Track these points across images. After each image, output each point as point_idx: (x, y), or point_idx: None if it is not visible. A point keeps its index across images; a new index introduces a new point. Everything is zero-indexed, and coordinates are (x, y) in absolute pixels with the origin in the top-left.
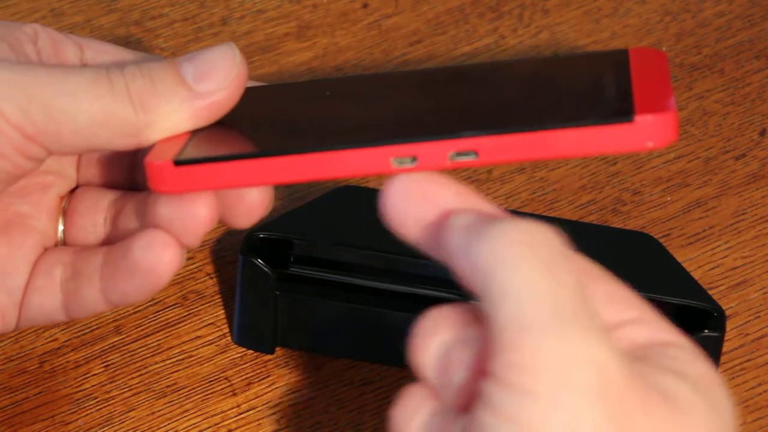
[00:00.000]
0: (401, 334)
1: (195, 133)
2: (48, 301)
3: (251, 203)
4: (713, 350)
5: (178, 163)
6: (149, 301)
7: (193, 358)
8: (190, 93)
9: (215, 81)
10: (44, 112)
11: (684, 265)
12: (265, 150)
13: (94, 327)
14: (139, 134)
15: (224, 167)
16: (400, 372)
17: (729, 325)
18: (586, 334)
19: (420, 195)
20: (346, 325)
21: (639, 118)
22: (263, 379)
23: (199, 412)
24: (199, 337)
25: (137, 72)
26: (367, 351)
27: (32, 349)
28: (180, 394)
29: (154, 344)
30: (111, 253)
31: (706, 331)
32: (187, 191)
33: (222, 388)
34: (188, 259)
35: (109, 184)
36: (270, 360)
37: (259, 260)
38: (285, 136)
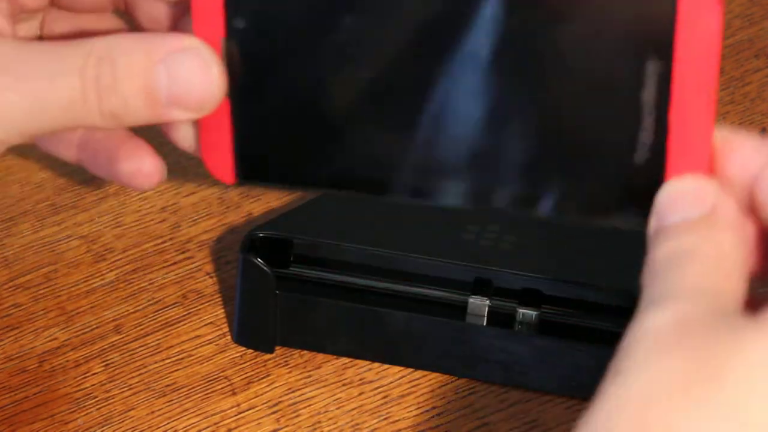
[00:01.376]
0: (401, 333)
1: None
2: None
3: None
4: None
5: (240, 179)
6: (149, 301)
7: (192, 358)
8: (163, 116)
9: (191, 109)
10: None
11: None
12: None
13: (94, 326)
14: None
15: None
16: (400, 371)
17: None
18: None
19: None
20: (345, 325)
21: None
22: (263, 378)
23: (199, 412)
24: (198, 336)
25: (112, 89)
26: (367, 350)
27: (32, 348)
28: (179, 394)
29: (153, 343)
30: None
31: None
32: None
33: (222, 388)
34: (188, 258)
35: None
36: (269, 359)
37: (259, 260)
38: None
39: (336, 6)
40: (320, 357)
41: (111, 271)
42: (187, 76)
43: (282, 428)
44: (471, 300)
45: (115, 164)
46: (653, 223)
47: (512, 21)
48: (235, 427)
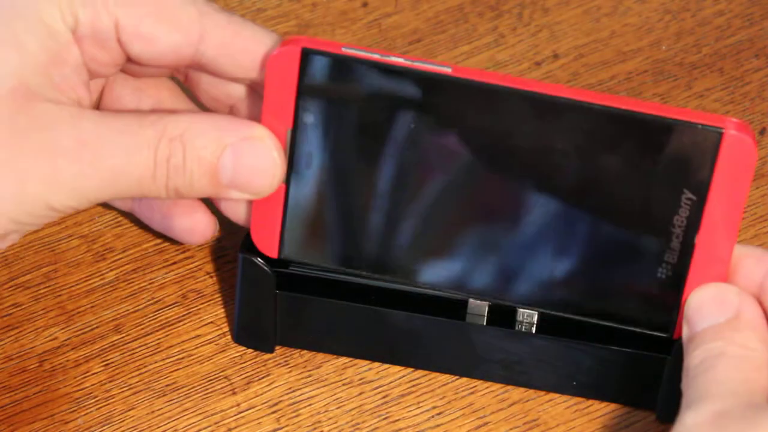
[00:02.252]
0: (400, 332)
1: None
2: None
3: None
4: None
5: (282, 256)
6: (149, 300)
7: (192, 357)
8: (222, 195)
9: (250, 192)
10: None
11: None
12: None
13: (94, 326)
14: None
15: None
16: (400, 371)
17: None
18: None
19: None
20: (345, 324)
21: None
22: (263, 378)
23: (199, 411)
24: (198, 336)
25: (181, 170)
26: (367, 349)
27: (32, 348)
28: (179, 393)
29: (153, 343)
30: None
31: None
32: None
33: (221, 387)
34: (188, 258)
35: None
36: (269, 359)
37: (259, 259)
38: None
39: (392, 124)
40: (320, 357)
41: (111, 270)
42: (252, 165)
43: (282, 428)
44: (471, 299)
45: (170, 220)
46: (685, 331)
47: (568, 149)
48: (235, 427)
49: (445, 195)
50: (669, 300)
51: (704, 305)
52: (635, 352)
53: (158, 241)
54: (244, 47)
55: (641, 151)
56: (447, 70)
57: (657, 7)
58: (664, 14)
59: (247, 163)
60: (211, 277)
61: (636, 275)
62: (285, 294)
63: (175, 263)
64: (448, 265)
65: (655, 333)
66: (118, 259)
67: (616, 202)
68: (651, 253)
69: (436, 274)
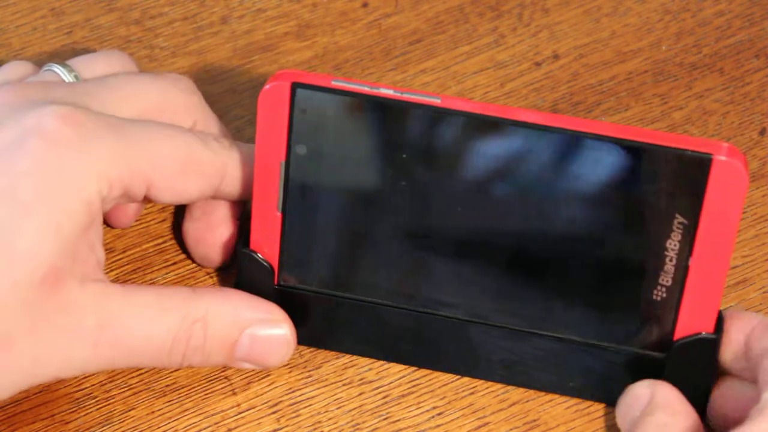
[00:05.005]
0: (400, 330)
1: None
2: None
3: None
4: (709, 353)
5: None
6: None
7: None
8: (233, 365)
9: (261, 367)
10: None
11: None
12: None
13: None
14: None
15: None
16: (400, 371)
17: None
18: None
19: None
20: (344, 320)
21: None
22: (263, 378)
23: (199, 412)
24: None
25: (200, 350)
26: (366, 346)
27: None
28: (180, 394)
29: None
30: None
31: (703, 333)
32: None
33: (222, 388)
34: (188, 258)
35: None
36: None
37: (258, 254)
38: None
39: (384, 154)
40: (320, 357)
41: (111, 271)
42: (266, 348)
43: (282, 428)
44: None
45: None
46: None
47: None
48: (236, 427)
49: (437, 222)
50: (665, 320)
51: (624, 410)
52: (634, 351)
53: (158, 241)
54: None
55: (634, 178)
56: (436, 101)
57: (657, 7)
58: (664, 14)
59: (262, 347)
60: (212, 277)
61: (632, 296)
62: (284, 289)
63: (175, 264)
64: (444, 290)
65: (651, 353)
66: (119, 259)
67: (611, 226)
68: (646, 275)
69: (431, 300)
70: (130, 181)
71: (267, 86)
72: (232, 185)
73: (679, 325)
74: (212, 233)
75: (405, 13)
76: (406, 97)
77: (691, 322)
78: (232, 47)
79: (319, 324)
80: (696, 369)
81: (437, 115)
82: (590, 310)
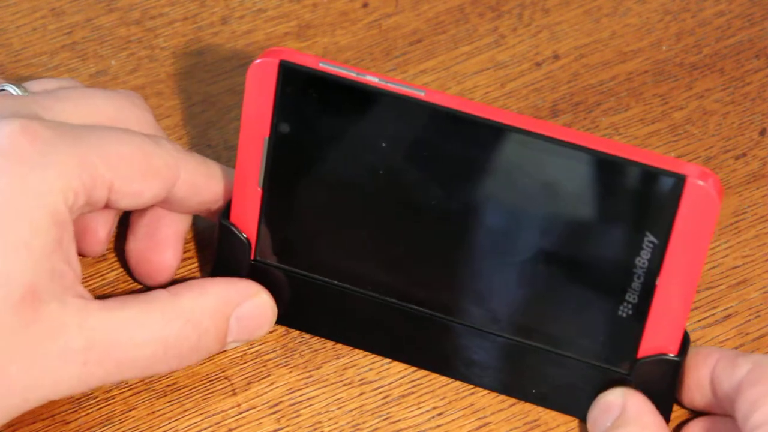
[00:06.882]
0: (368, 317)
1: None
2: None
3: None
4: (671, 374)
5: (257, 259)
6: None
7: None
8: (225, 348)
9: (248, 341)
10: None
11: None
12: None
13: None
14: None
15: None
16: (400, 371)
17: (729, 324)
18: None
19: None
20: (314, 302)
21: None
22: (263, 378)
23: (199, 412)
24: None
25: (195, 349)
26: (335, 330)
27: None
28: (180, 394)
29: None
30: None
31: (667, 354)
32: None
33: (222, 388)
34: (188, 258)
35: None
36: (270, 359)
37: (236, 227)
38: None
39: (365, 140)
40: (320, 357)
41: (111, 271)
42: (252, 321)
43: (282, 428)
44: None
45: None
46: None
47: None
48: (236, 427)
49: (411, 213)
50: (629, 337)
51: (596, 417)
52: (598, 365)
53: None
54: (208, 187)
55: (607, 191)
56: (420, 94)
57: (657, 7)
58: (664, 15)
59: (248, 325)
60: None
61: (598, 311)
62: (259, 264)
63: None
64: (414, 282)
65: (615, 369)
66: (119, 260)
67: (581, 237)
68: (613, 290)
69: (401, 290)
70: (92, 187)
71: (256, 61)
72: (185, 190)
73: (643, 344)
74: (156, 254)
75: (405, 14)
76: (391, 86)
77: (655, 342)
78: (232, 47)
79: (291, 303)
80: (658, 389)
81: (419, 107)
82: (556, 319)
